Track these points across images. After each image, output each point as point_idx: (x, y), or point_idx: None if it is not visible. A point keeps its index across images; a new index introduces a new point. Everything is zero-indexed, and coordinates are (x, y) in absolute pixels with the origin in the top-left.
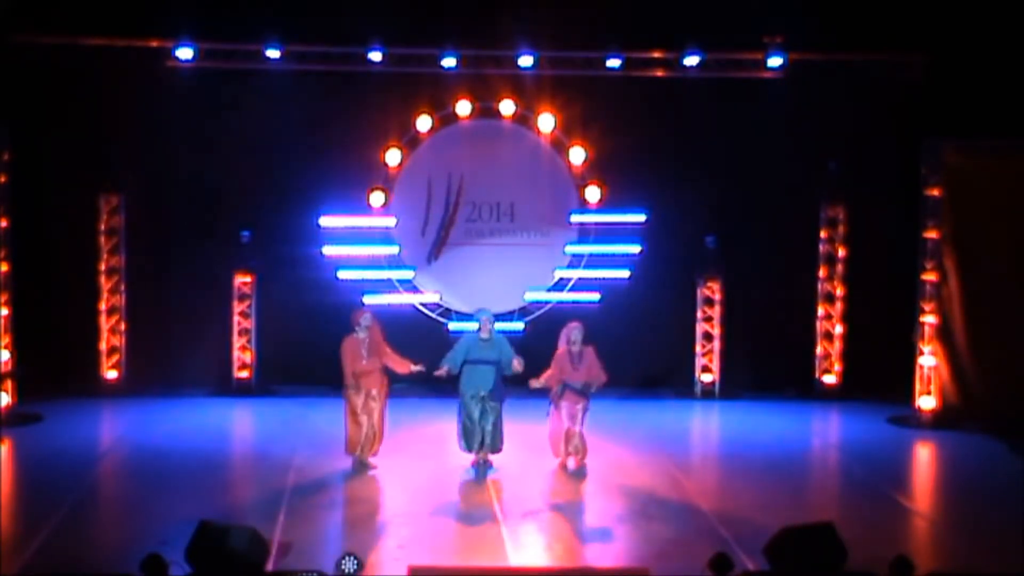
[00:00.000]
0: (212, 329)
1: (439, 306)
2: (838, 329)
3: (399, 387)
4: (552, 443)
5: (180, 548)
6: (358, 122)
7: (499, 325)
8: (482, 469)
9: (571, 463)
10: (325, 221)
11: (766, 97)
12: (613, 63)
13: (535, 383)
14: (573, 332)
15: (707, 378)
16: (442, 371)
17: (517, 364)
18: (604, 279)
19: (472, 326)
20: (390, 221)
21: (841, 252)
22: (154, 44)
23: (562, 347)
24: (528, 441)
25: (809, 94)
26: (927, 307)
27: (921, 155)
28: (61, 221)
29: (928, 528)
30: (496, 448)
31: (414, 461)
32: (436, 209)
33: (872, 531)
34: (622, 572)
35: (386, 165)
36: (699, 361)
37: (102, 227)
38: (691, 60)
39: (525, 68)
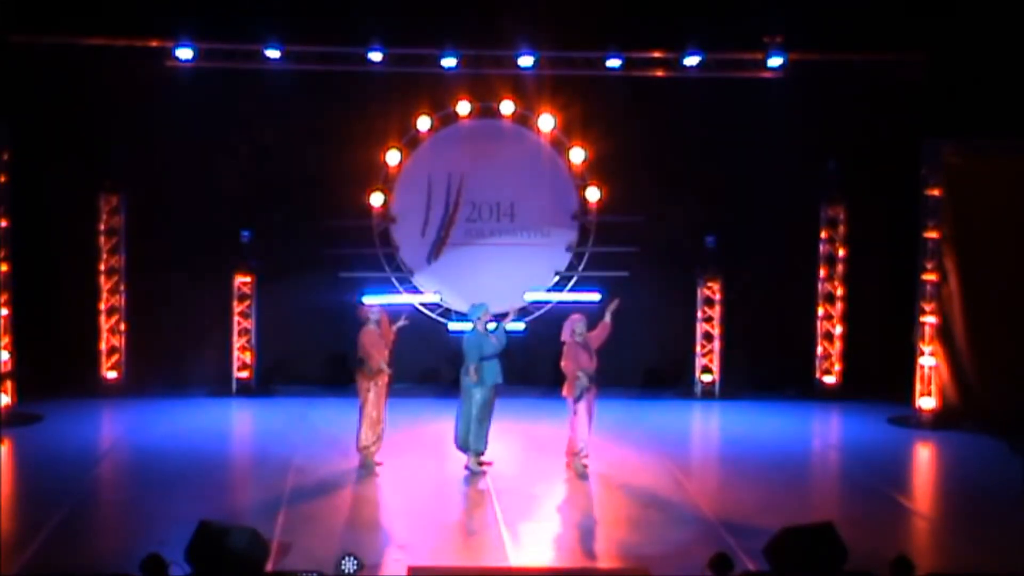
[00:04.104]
0: (212, 329)
1: (439, 306)
2: (838, 329)
3: (400, 387)
4: (576, 443)
5: (180, 548)
6: (358, 122)
7: (493, 325)
8: (476, 474)
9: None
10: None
11: (766, 97)
12: (613, 63)
13: (568, 392)
14: (578, 324)
15: (707, 378)
16: (475, 375)
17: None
18: (604, 279)
19: (469, 325)
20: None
21: (841, 252)
22: (154, 44)
23: (568, 340)
24: (528, 441)
25: (809, 94)
26: (927, 307)
27: (921, 155)
28: (61, 221)
29: (928, 528)
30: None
31: (414, 461)
32: (436, 209)
33: (872, 531)
34: (622, 572)
35: (386, 165)
36: (699, 361)
37: (102, 227)
38: (691, 60)
39: (525, 68)
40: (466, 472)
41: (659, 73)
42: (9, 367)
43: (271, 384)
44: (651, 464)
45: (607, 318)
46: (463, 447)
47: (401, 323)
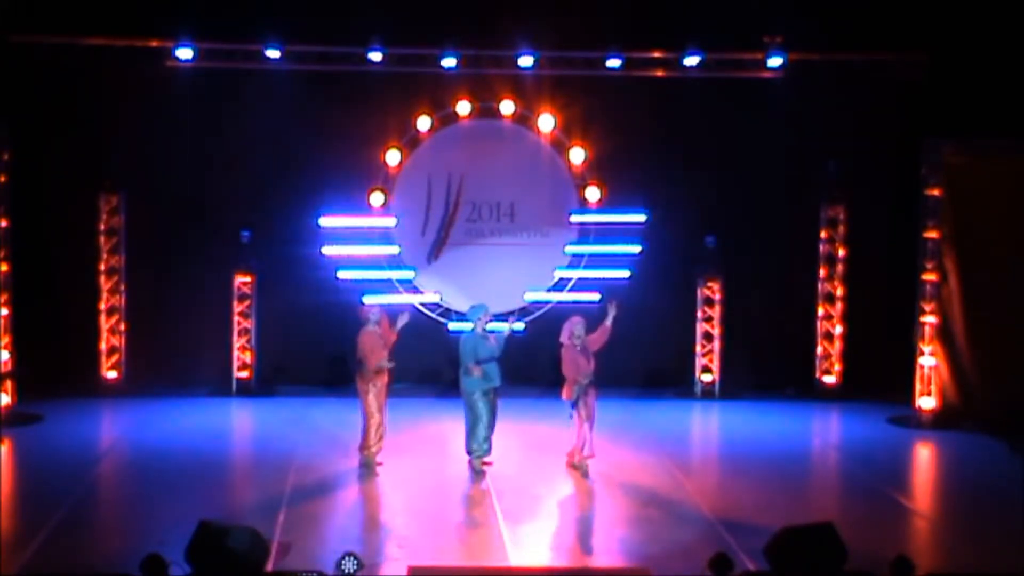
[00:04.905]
0: (212, 329)
1: (439, 306)
2: (838, 329)
3: (400, 387)
4: (578, 446)
5: (180, 548)
6: (358, 122)
7: (500, 325)
8: (479, 474)
9: (576, 459)
10: (325, 221)
11: (766, 97)
12: (613, 63)
13: (568, 395)
14: (576, 327)
15: (707, 378)
16: (478, 371)
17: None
18: (604, 279)
19: (469, 326)
20: (390, 221)
21: (841, 252)
22: (154, 44)
23: (566, 343)
24: (528, 441)
25: (809, 94)
26: (927, 307)
27: (921, 155)
28: (61, 221)
29: (928, 528)
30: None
31: (414, 461)
32: (436, 209)
33: (872, 531)
34: (622, 572)
35: (386, 165)
36: (699, 361)
37: (102, 227)
38: (691, 60)
39: (525, 68)
40: (468, 472)
41: (659, 73)
42: (9, 367)
43: (271, 384)
44: (651, 464)
45: (607, 322)
46: (471, 452)
47: (402, 322)
